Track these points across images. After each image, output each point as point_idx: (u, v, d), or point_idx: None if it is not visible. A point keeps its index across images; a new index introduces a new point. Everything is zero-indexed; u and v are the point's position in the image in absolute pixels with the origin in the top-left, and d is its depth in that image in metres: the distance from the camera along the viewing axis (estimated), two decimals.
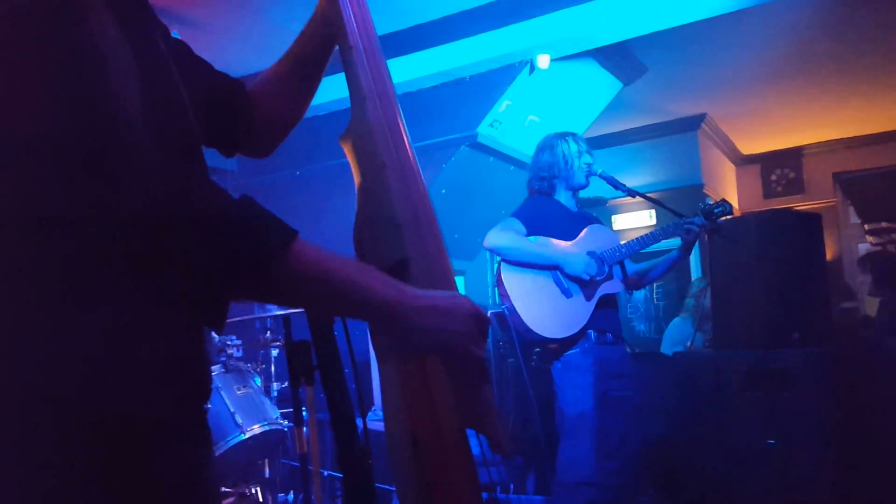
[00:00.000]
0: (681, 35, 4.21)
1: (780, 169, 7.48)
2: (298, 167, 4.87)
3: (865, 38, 4.77)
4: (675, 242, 2.94)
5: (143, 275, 0.73)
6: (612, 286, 2.91)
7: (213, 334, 3.04)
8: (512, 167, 4.89)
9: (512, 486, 3.43)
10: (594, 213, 3.22)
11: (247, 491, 3.11)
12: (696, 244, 2.98)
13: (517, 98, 4.55)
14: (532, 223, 2.89)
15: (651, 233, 2.95)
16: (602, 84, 5.10)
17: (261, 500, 3.17)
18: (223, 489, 2.96)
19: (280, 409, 3.30)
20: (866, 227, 7.06)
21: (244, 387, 3.14)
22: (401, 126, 1.10)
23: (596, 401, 2.75)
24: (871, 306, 5.36)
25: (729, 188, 7.41)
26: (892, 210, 5.12)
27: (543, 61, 4.30)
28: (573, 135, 3.08)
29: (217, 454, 2.77)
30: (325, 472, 3.36)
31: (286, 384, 3.75)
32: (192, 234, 0.73)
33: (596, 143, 3.54)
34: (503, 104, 4.51)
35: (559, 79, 4.62)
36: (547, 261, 2.81)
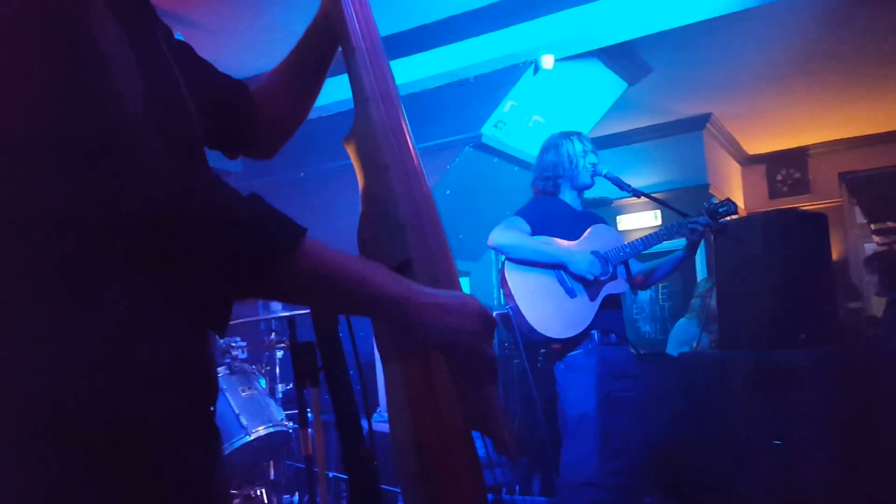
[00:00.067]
0: (686, 35, 4.21)
1: (786, 169, 7.47)
2: (302, 168, 4.88)
3: (871, 37, 4.75)
4: (680, 243, 2.94)
5: (147, 275, 0.73)
6: (617, 286, 2.91)
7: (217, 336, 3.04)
8: (516, 168, 4.89)
9: (517, 488, 3.43)
10: (599, 214, 3.21)
11: (252, 493, 3.11)
12: (702, 244, 2.97)
13: (521, 98, 4.55)
14: (536, 222, 2.88)
15: (655, 232, 2.94)
16: (607, 84, 5.10)
17: (266, 501, 3.17)
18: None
19: (285, 410, 3.30)
20: (872, 226, 7.05)
21: (249, 388, 3.14)
22: (404, 127, 1.09)
23: (599, 402, 2.75)
24: (877, 306, 5.34)
25: (734, 188, 7.39)
26: None
27: (548, 61, 4.30)
28: (578, 134, 3.07)
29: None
30: (331, 474, 3.36)
31: (291, 386, 3.75)
32: (200, 232, 0.73)
33: (601, 143, 3.54)
34: (507, 105, 4.51)
35: (563, 79, 4.61)
36: (551, 259, 2.80)
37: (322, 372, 1.00)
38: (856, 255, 6.99)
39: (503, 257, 2.90)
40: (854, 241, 7.15)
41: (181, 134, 0.82)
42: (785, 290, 3.03)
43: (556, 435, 2.92)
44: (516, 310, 2.77)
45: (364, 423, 0.98)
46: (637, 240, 2.93)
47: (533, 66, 4.36)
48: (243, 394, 3.08)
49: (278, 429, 3.09)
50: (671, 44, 4.57)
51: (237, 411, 2.97)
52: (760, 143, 7.29)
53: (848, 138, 7.03)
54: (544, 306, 2.79)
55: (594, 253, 2.85)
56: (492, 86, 4.47)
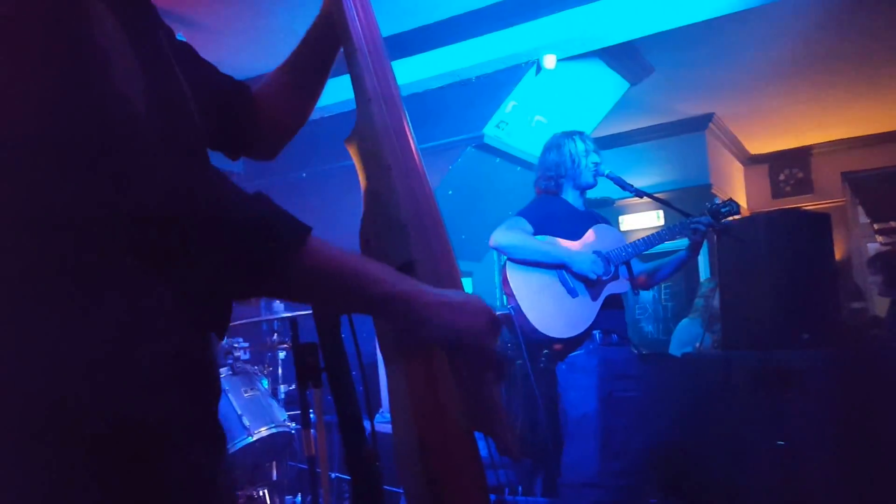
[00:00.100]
0: (688, 35, 4.20)
1: (789, 169, 7.45)
2: (304, 169, 4.88)
3: (873, 36, 4.75)
4: (683, 243, 2.93)
5: (150, 275, 0.73)
6: (619, 286, 2.90)
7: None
8: (518, 168, 4.89)
9: (520, 488, 3.42)
10: (601, 214, 3.20)
11: (254, 493, 3.11)
12: (705, 244, 2.96)
13: (523, 99, 4.55)
14: (538, 222, 2.88)
15: (658, 232, 2.94)
16: (609, 84, 5.09)
17: (268, 502, 3.17)
18: None
19: (287, 411, 3.30)
20: (875, 226, 7.04)
21: (251, 389, 3.14)
22: (406, 128, 1.09)
23: (600, 402, 2.74)
24: (880, 307, 5.33)
25: (737, 188, 7.38)
26: None
27: (550, 62, 4.29)
28: (580, 133, 3.07)
29: None
30: (333, 475, 3.36)
31: (293, 386, 3.75)
32: (205, 230, 0.73)
33: (603, 143, 3.53)
34: (509, 105, 4.50)
35: (566, 79, 4.61)
36: (553, 259, 2.80)
37: (324, 373, 1.00)
38: (859, 256, 6.98)
39: (505, 257, 2.89)
40: (857, 242, 7.13)
41: (184, 134, 0.82)
42: (788, 291, 3.03)
43: (558, 435, 2.91)
44: (518, 310, 2.77)
45: (367, 424, 0.98)
46: (639, 240, 2.92)
47: (535, 66, 4.36)
48: (246, 395, 3.08)
49: (281, 429, 3.09)
50: (673, 44, 4.57)
51: (239, 412, 2.97)
52: (763, 143, 7.28)
53: (851, 138, 7.02)
54: (546, 306, 2.78)
55: (596, 253, 2.85)
56: (494, 86, 4.47)
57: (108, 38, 0.71)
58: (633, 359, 3.00)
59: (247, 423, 2.96)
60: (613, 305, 2.89)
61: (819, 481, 2.76)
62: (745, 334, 3.14)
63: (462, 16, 4.27)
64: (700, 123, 6.35)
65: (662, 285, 6.27)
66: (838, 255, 6.34)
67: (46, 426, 0.68)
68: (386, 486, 1.00)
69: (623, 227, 6.41)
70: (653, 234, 2.92)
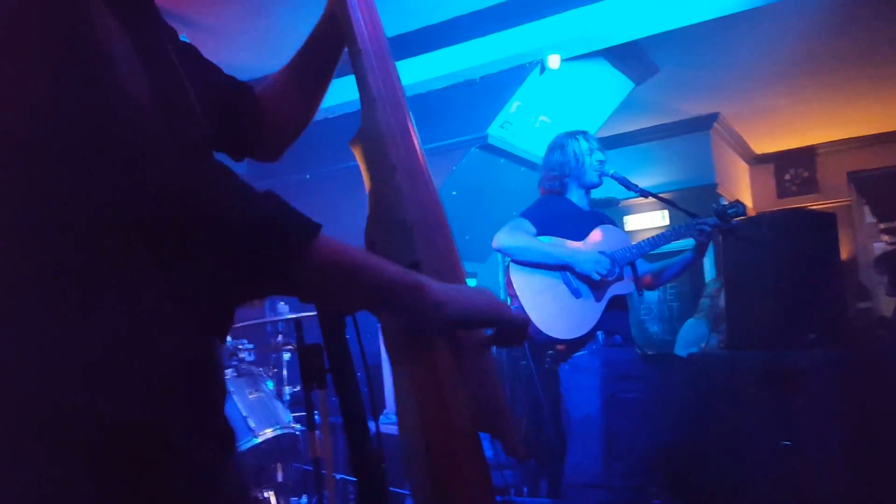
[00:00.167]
0: (693, 34, 4.19)
1: (794, 168, 7.43)
2: (308, 170, 4.89)
3: (879, 35, 4.73)
4: (689, 243, 2.92)
5: (155, 276, 0.73)
6: (623, 287, 2.89)
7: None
8: (523, 168, 4.88)
9: (525, 489, 3.42)
10: (607, 214, 3.20)
11: (260, 495, 3.11)
12: (711, 245, 2.95)
13: (528, 99, 4.54)
14: (542, 223, 2.87)
15: (663, 233, 2.93)
16: (613, 84, 5.08)
17: None
18: None
19: (292, 412, 3.30)
20: (881, 226, 7.01)
21: (256, 391, 3.14)
22: (411, 129, 1.10)
23: (603, 403, 2.73)
24: (887, 306, 5.31)
25: (742, 188, 7.36)
26: None
27: (554, 62, 4.29)
28: (584, 133, 3.06)
29: None
30: (338, 476, 3.36)
31: (298, 388, 3.75)
32: (215, 228, 0.73)
33: (608, 143, 3.52)
34: (514, 105, 4.50)
35: (570, 79, 4.61)
36: (556, 261, 2.79)
37: (329, 374, 1.00)
38: (865, 255, 6.95)
39: (508, 259, 2.89)
40: (863, 241, 7.10)
41: (188, 134, 0.82)
42: (794, 291, 3.02)
43: (562, 436, 2.91)
44: (521, 311, 2.76)
45: (371, 425, 0.98)
46: (644, 240, 2.92)
47: (539, 66, 4.35)
48: (250, 396, 3.08)
49: (286, 431, 3.09)
50: (678, 43, 4.56)
51: (244, 413, 2.97)
52: (768, 143, 7.26)
53: (857, 137, 6.99)
54: (549, 307, 2.77)
55: (601, 254, 2.84)
56: (498, 86, 4.46)
57: (111, 39, 0.71)
58: (636, 360, 2.99)
59: (252, 424, 2.96)
60: (617, 307, 2.88)
61: (824, 482, 2.75)
62: (750, 334, 3.13)
63: (466, 16, 4.27)
64: (705, 123, 6.33)
65: (667, 285, 6.26)
66: (844, 254, 6.32)
67: (51, 428, 0.68)
68: (391, 488, 1.00)
69: (628, 228, 6.39)
70: (658, 235, 2.92)
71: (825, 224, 3.26)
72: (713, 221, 2.84)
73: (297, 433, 3.19)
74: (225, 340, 0.83)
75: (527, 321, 0.98)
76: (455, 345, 0.99)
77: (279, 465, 3.37)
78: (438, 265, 1.00)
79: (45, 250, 0.69)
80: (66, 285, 0.69)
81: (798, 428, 2.81)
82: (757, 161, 7.58)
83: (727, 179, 6.74)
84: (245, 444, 2.92)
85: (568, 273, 2.81)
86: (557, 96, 4.71)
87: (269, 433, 3.00)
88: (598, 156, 2.98)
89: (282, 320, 3.60)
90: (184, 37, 1.02)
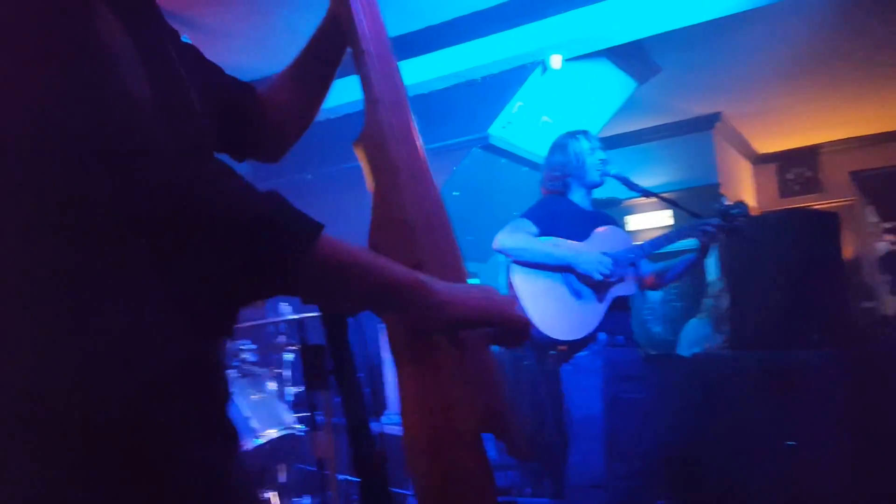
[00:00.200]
0: (695, 34, 4.19)
1: (797, 168, 7.42)
2: (310, 170, 4.89)
3: (881, 34, 4.72)
4: (693, 242, 2.91)
5: (159, 275, 0.73)
6: (625, 288, 2.88)
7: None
8: (525, 168, 4.88)
9: (528, 490, 3.42)
10: (609, 214, 3.19)
11: (262, 496, 3.11)
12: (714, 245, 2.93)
13: (530, 99, 4.54)
14: (544, 223, 2.86)
15: (666, 234, 2.92)
16: (616, 84, 5.08)
17: None
18: None
19: (294, 413, 3.30)
20: (884, 225, 7.00)
21: (259, 391, 3.14)
22: (413, 130, 1.10)
23: (605, 403, 2.73)
24: (890, 306, 5.31)
25: (745, 187, 7.35)
26: None
27: (556, 62, 4.29)
28: (585, 132, 3.05)
29: None
30: (341, 477, 3.36)
31: (301, 388, 3.75)
32: (217, 227, 0.73)
33: (610, 142, 3.52)
34: (516, 105, 4.50)
35: (572, 79, 4.60)
36: (557, 261, 2.78)
37: (332, 375, 1.00)
38: (868, 255, 6.94)
39: (510, 259, 2.88)
40: (866, 241, 7.09)
41: (190, 134, 0.82)
42: (797, 290, 3.01)
43: (565, 437, 2.90)
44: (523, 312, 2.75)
45: (374, 426, 0.98)
46: (647, 241, 2.91)
47: (541, 66, 4.35)
48: (253, 397, 3.08)
49: (288, 431, 3.09)
50: (681, 43, 4.55)
51: (247, 414, 2.97)
52: (771, 142, 7.25)
53: (859, 136, 6.98)
54: (550, 308, 2.77)
55: (603, 254, 2.83)
56: (500, 86, 4.46)
57: (112, 39, 0.71)
58: (638, 360, 2.99)
59: (255, 425, 2.96)
60: (620, 307, 2.87)
61: (828, 481, 2.74)
62: (753, 334, 3.13)
63: (468, 16, 4.27)
64: (707, 123, 6.33)
65: (670, 285, 6.24)
66: (847, 254, 6.30)
67: (55, 429, 0.68)
68: (394, 488, 1.00)
69: (630, 227, 6.38)
70: (661, 236, 2.91)
71: (828, 224, 3.25)
72: (716, 222, 2.82)
73: (300, 434, 3.19)
74: (229, 340, 0.83)
75: (528, 322, 0.98)
76: (458, 345, 0.99)
77: (282, 465, 3.36)
78: (441, 265, 1.00)
79: (47, 250, 0.69)
80: (68, 285, 0.69)
81: (802, 428, 2.81)
82: (759, 161, 7.57)
83: (729, 179, 6.73)
84: (248, 445, 2.92)
85: (569, 274, 2.80)
86: (559, 96, 4.71)
87: (271, 434, 3.00)
88: (600, 155, 2.97)
89: (284, 321, 3.60)
90: (185, 38, 1.02)
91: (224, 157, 1.04)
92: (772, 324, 3.03)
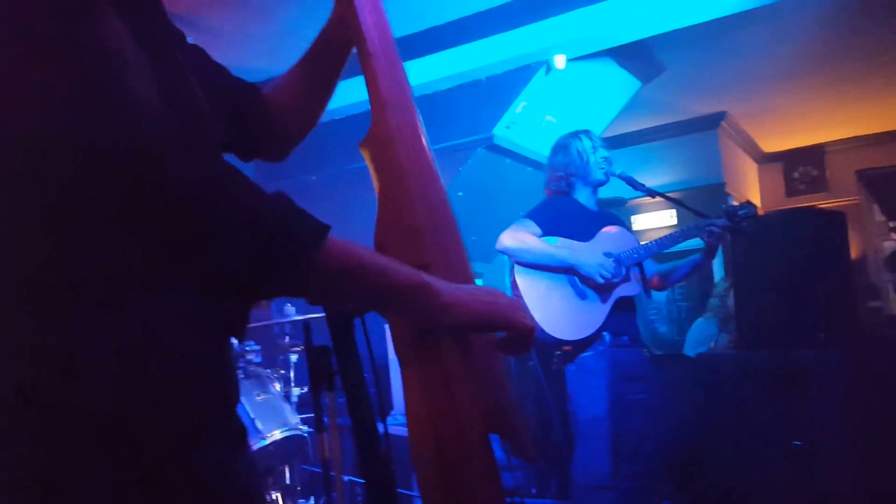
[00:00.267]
0: (699, 33, 4.18)
1: (803, 166, 7.39)
2: (315, 171, 4.89)
3: (887, 33, 4.70)
4: (699, 242, 2.89)
5: (173, 277, 0.73)
6: (630, 288, 2.87)
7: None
8: (529, 168, 4.87)
9: (534, 490, 3.41)
10: (614, 213, 3.18)
11: (268, 497, 3.11)
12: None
13: (534, 99, 4.53)
14: (548, 223, 2.85)
15: (671, 234, 2.90)
16: (620, 83, 5.07)
17: None
18: None
19: (299, 414, 3.30)
20: (891, 224, 6.97)
21: (264, 392, 3.14)
22: (420, 131, 1.10)
23: (610, 404, 2.72)
24: None
25: (751, 186, 7.33)
26: None
27: (560, 61, 4.28)
28: (586, 132, 3.04)
29: None
30: (346, 478, 3.36)
31: (306, 389, 3.75)
32: (225, 229, 0.73)
33: (615, 142, 3.52)
34: (520, 105, 4.49)
35: (576, 79, 4.59)
36: (560, 263, 2.77)
37: (338, 376, 0.99)
38: (875, 254, 6.91)
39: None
40: (872, 240, 7.06)
41: (197, 136, 0.82)
42: (803, 290, 3.01)
43: (570, 437, 2.90)
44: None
45: (380, 427, 0.98)
46: (651, 241, 2.89)
47: (545, 66, 4.34)
48: (258, 398, 3.08)
49: (294, 433, 3.08)
50: (685, 42, 4.54)
51: (252, 415, 2.97)
52: (777, 141, 7.23)
53: (865, 135, 6.95)
54: (554, 308, 2.76)
55: (607, 254, 2.82)
56: (504, 87, 4.45)
57: (119, 41, 0.71)
58: (644, 361, 2.98)
59: (260, 426, 2.96)
60: (625, 307, 2.86)
61: (835, 481, 2.73)
62: (759, 334, 3.12)
63: (471, 17, 4.27)
64: (712, 122, 6.31)
65: (676, 285, 6.23)
66: (853, 253, 6.28)
67: (64, 428, 0.68)
68: (399, 489, 1.00)
69: (636, 227, 6.37)
70: (666, 236, 2.89)
71: (834, 223, 3.24)
72: (723, 223, 2.79)
73: (305, 435, 3.19)
74: (242, 339, 0.83)
75: (533, 329, 0.97)
76: (464, 345, 0.99)
77: (287, 466, 3.37)
78: (447, 267, 1.00)
79: (54, 253, 0.69)
80: (78, 287, 0.69)
81: (808, 428, 2.80)
82: (765, 160, 7.54)
83: (735, 178, 6.71)
84: (253, 446, 2.92)
85: (573, 274, 2.79)
86: (564, 96, 4.70)
87: (276, 435, 3.00)
88: (603, 153, 2.96)
89: (289, 322, 3.60)
90: (190, 40, 1.02)
91: (230, 158, 1.04)
92: (777, 323, 3.02)
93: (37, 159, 0.68)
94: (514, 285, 2.81)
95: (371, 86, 1.07)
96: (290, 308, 3.64)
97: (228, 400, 0.82)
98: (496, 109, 4.46)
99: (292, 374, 3.78)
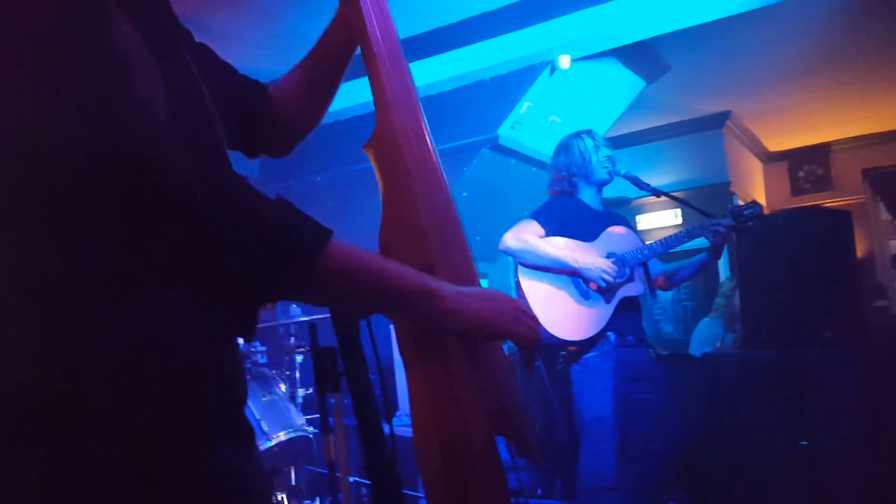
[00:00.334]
0: (704, 32, 4.17)
1: (808, 165, 7.37)
2: (320, 172, 4.89)
3: (893, 32, 4.68)
4: (704, 242, 2.88)
5: (176, 279, 0.73)
6: (634, 289, 2.86)
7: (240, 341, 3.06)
8: (534, 169, 4.87)
9: (539, 491, 3.41)
10: (619, 213, 3.17)
11: (273, 498, 3.11)
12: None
13: (538, 99, 4.53)
14: (551, 223, 2.84)
15: (676, 234, 2.89)
16: (625, 83, 5.06)
17: None
18: None
19: (305, 415, 3.30)
20: None
21: (269, 394, 3.14)
22: (425, 132, 1.10)
23: (616, 404, 2.71)
24: None
25: (756, 186, 7.32)
26: None
27: (564, 62, 4.28)
28: (588, 131, 3.03)
29: None
30: (352, 479, 3.36)
31: (311, 390, 3.75)
32: (228, 235, 0.74)
33: (620, 142, 3.51)
34: (524, 105, 4.49)
35: (581, 79, 4.59)
36: (562, 266, 2.77)
37: (343, 377, 0.99)
38: (881, 253, 6.88)
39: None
40: (879, 239, 7.03)
41: (205, 139, 0.82)
42: (809, 289, 3.00)
43: (576, 438, 2.89)
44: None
45: (385, 428, 0.98)
46: (656, 242, 2.88)
47: (549, 66, 4.34)
48: (263, 399, 3.08)
49: (299, 434, 3.09)
50: (690, 41, 4.53)
51: (258, 416, 2.97)
52: (782, 140, 7.21)
53: (871, 134, 6.92)
54: (557, 309, 2.76)
55: (611, 255, 2.81)
56: (508, 87, 4.45)
57: (126, 42, 0.71)
58: (649, 361, 2.96)
59: (265, 427, 2.96)
60: (629, 307, 2.85)
61: (842, 481, 2.72)
62: (765, 333, 3.11)
63: (476, 17, 4.27)
64: (717, 121, 6.30)
65: (682, 285, 6.22)
66: (859, 252, 6.25)
67: (74, 426, 0.68)
68: (405, 490, 0.99)
69: (641, 227, 6.36)
70: (671, 237, 2.88)
71: (840, 222, 3.23)
72: (728, 222, 2.78)
73: (311, 436, 3.19)
74: (250, 340, 0.84)
75: (536, 339, 0.96)
76: (469, 346, 0.99)
77: (292, 468, 3.37)
78: (452, 268, 1.00)
79: (61, 254, 0.69)
80: (86, 288, 0.70)
81: (815, 427, 2.79)
82: (770, 159, 7.52)
83: (740, 177, 6.69)
84: (258, 447, 2.92)
85: (576, 276, 2.79)
86: (568, 96, 4.70)
87: (282, 436, 3.00)
88: (605, 152, 2.95)
89: (294, 323, 3.61)
90: (196, 40, 1.03)
91: (234, 158, 1.05)
92: (783, 323, 3.01)
93: (37, 159, 0.68)
94: (518, 286, 2.80)
95: (376, 87, 1.07)
96: (295, 309, 3.65)
97: (235, 401, 0.82)
98: (501, 110, 4.46)
99: (298, 375, 3.78)
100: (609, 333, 2.78)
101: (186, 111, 0.77)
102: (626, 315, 2.83)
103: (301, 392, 3.74)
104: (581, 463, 2.79)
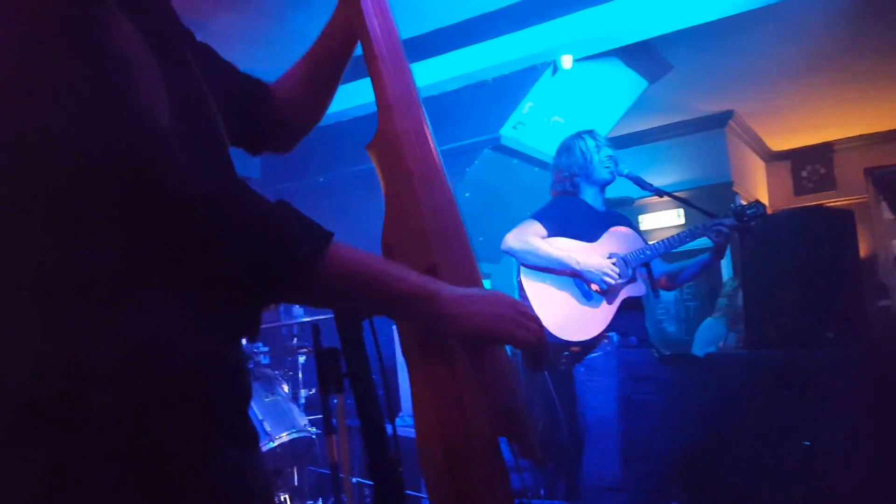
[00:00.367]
0: (706, 32, 4.16)
1: (811, 165, 7.36)
2: (323, 173, 4.90)
3: (894, 30, 4.67)
4: (707, 242, 2.88)
5: (179, 281, 0.73)
6: (636, 289, 2.86)
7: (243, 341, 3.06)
8: (536, 169, 4.87)
9: (542, 492, 3.41)
10: (622, 213, 3.17)
11: (276, 499, 3.12)
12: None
13: (540, 99, 4.53)
14: (554, 224, 2.84)
15: (679, 234, 2.89)
16: (627, 82, 5.06)
17: None
18: None
19: (307, 415, 3.30)
20: None
21: (272, 394, 3.15)
22: (427, 133, 1.10)
23: (618, 405, 2.71)
24: None
25: (759, 185, 7.31)
26: None
27: (567, 62, 4.27)
28: (590, 132, 3.03)
29: None
30: (355, 480, 3.36)
31: (314, 391, 3.76)
32: (229, 238, 0.74)
33: (622, 142, 3.51)
34: (526, 106, 4.49)
35: (583, 78, 4.59)
36: (564, 267, 2.76)
37: (346, 378, 0.99)
38: (884, 253, 6.87)
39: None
40: (882, 238, 7.02)
41: (207, 141, 0.82)
42: (812, 288, 2.99)
43: (579, 438, 2.89)
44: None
45: (388, 428, 0.98)
46: (659, 242, 2.88)
47: (552, 66, 4.34)
48: (266, 399, 3.09)
49: (301, 434, 3.09)
50: (692, 41, 4.53)
51: (260, 417, 2.98)
52: (784, 140, 7.20)
53: (874, 133, 6.91)
54: (560, 310, 2.75)
55: (613, 255, 2.81)
56: (511, 87, 4.45)
57: (128, 46, 0.71)
58: (652, 361, 2.96)
59: (268, 428, 2.97)
60: (632, 307, 2.85)
61: (845, 481, 2.72)
62: (768, 333, 3.11)
63: (478, 17, 4.26)
64: (720, 120, 6.29)
65: (685, 285, 6.21)
66: (862, 252, 6.24)
67: (74, 428, 0.68)
68: (408, 491, 0.99)
69: (643, 227, 6.36)
70: (673, 237, 2.88)
71: (843, 221, 3.23)
72: (731, 222, 2.78)
73: (313, 437, 3.19)
74: (253, 340, 0.84)
75: (538, 343, 0.96)
76: (472, 347, 0.99)
77: (295, 468, 3.37)
78: (455, 268, 1.00)
79: (57, 252, 0.69)
80: (89, 290, 0.70)
81: (818, 427, 2.79)
82: (773, 158, 7.51)
83: (743, 177, 6.68)
84: (261, 448, 2.93)
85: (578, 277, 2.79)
86: (570, 96, 4.70)
87: (284, 437, 3.00)
88: (607, 151, 2.94)
89: (297, 323, 3.61)
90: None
91: (236, 158, 1.05)
92: (786, 323, 3.01)
93: (38, 160, 0.68)
94: (521, 286, 2.80)
95: (377, 88, 1.07)
96: (298, 310, 3.65)
97: (238, 402, 0.82)
98: (503, 110, 4.46)
99: (300, 376, 3.78)
100: (612, 334, 2.78)
101: (188, 112, 0.77)
102: (629, 315, 2.83)
103: (304, 392, 3.75)
104: (584, 463, 2.79)
